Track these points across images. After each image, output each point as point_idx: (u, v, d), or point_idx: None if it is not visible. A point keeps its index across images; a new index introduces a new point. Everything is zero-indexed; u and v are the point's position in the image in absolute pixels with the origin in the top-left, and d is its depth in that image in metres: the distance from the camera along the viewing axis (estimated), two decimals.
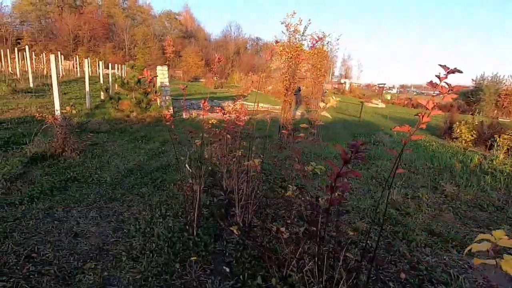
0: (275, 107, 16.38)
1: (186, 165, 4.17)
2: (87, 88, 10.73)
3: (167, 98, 10.22)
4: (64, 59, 38.96)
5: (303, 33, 5.82)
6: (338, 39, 6.48)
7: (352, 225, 3.25)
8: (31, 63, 18.22)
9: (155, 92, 9.06)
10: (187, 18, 70.43)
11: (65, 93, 13.39)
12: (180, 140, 6.36)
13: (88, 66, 12.83)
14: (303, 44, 6.00)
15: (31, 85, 13.91)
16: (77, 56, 43.17)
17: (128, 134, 6.84)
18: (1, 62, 24.61)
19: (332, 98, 2.02)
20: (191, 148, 5.68)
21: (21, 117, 7.04)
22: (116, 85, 13.10)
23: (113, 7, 58.48)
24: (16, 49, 22.84)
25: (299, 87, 17.21)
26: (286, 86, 5.95)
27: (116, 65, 34.78)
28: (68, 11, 50.01)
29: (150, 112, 8.26)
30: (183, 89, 2.75)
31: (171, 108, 9.66)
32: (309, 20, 5.90)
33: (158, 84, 10.19)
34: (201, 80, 47.43)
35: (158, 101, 9.95)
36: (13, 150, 4.65)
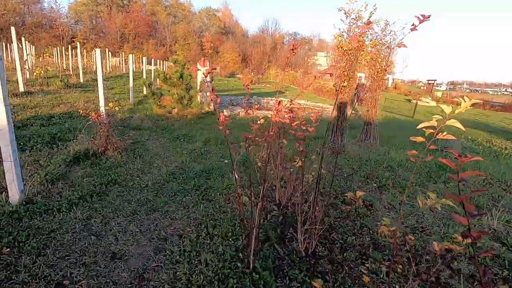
0: (317, 104, 15.46)
1: (234, 173, 3.68)
2: (131, 84, 10.84)
3: (208, 94, 9.94)
4: (112, 56, 41.32)
5: (368, 19, 4.99)
6: (403, 28, 5.50)
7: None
8: (82, 59, 19.27)
9: (198, 88, 8.78)
10: (226, 14, 71.00)
11: (111, 88, 13.83)
12: (223, 140, 5.93)
13: (133, 62, 13.07)
14: (368, 33, 5.17)
15: (81, 80, 14.60)
16: (123, 53, 45.73)
17: (169, 131, 6.59)
18: (58, 59, 26.55)
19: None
20: (237, 150, 5.23)
21: (69, 112, 7.14)
22: (158, 80, 13.21)
23: (156, 5, 60.77)
24: (70, 46, 24.47)
25: (363, 83, 16.15)
26: (342, 82, 5.19)
27: (158, 60, 36.00)
28: (116, 10, 52.95)
29: (191, 109, 7.99)
30: (246, 85, 2.21)
31: (212, 104, 9.34)
32: (375, 6, 5.05)
33: (199, 79, 9.92)
34: (238, 75, 47.48)
35: (198, 98, 9.69)
36: (58, 147, 4.54)
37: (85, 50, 36.45)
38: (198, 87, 8.94)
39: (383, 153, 5.77)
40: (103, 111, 4.85)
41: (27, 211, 2.70)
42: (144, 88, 13.28)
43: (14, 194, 2.82)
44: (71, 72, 18.32)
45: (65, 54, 26.21)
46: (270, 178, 3.69)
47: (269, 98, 16.44)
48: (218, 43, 59.74)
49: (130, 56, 12.74)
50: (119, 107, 8.96)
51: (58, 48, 28.46)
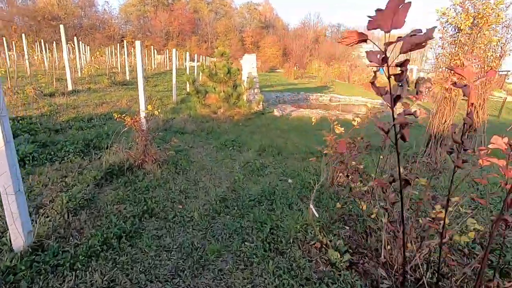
0: (374, 101, 13.63)
1: (312, 207, 2.57)
2: (174, 81, 10.27)
3: (255, 91, 8.92)
4: (157, 53, 42.68)
5: None
6: None
7: None
8: (129, 57, 19.59)
9: (246, 84, 7.80)
10: (266, 8, 69.62)
11: (154, 86, 13.57)
12: (280, 149, 4.85)
13: (176, 58, 12.63)
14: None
15: (127, 77, 14.60)
16: (167, 50, 47.13)
17: (216, 136, 5.69)
18: (108, 58, 27.78)
19: None
20: (304, 165, 4.09)
21: (110, 112, 6.61)
22: (201, 77, 12.56)
23: (199, 2, 61.56)
24: (119, 45, 25.33)
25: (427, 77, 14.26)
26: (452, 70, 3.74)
27: (201, 56, 36.22)
28: (161, 9, 54.68)
29: (238, 109, 7.04)
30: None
31: (261, 104, 8.33)
32: None
33: (245, 75, 8.95)
34: (279, 70, 46.11)
35: (245, 96, 8.69)
36: (92, 158, 3.84)
37: (132, 48, 38.17)
38: (245, 84, 7.95)
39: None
40: (142, 115, 4.05)
41: (28, 268, 1.88)
42: (188, 85, 12.75)
43: (17, 238, 2.03)
44: (119, 70, 18.71)
45: (114, 53, 27.29)
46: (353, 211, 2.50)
47: (318, 94, 14.96)
48: (258, 37, 58.75)
49: (174, 50, 12.28)
50: (162, 106, 8.43)
51: (109, 47, 29.84)
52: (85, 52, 24.55)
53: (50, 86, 9.63)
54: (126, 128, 3.80)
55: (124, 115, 3.68)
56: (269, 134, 5.89)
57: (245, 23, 66.03)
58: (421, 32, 1.00)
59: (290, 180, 3.65)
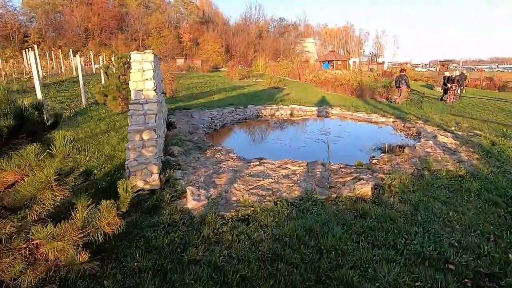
0: (373, 117, 10.76)
1: None
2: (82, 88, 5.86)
3: (148, 143, 4.66)
4: (75, 55, 35.19)
5: None
6: None
7: None
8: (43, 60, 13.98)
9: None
10: (204, 2, 64.78)
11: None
12: None
13: (81, 63, 8.07)
14: None
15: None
16: (91, 52, 39.52)
17: None
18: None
19: None
20: None
21: None
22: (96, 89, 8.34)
23: None
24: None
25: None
26: None
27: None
28: (76, 2, 46.07)
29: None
30: None
31: (155, 169, 4.19)
32: None
33: (133, 95, 5.07)
34: (223, 69, 42.19)
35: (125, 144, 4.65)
36: None
37: (40, 51, 30.49)
38: (129, 115, 4.07)
39: None
40: None
41: None
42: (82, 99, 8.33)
43: None
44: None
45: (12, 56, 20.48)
46: None
47: (274, 106, 11.56)
48: (197, 34, 53.87)
49: (77, 56, 7.81)
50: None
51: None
52: None
53: None
54: None
55: None
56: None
57: (181, 19, 60.34)
58: None
59: None
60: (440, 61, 30.86)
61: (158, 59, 7.91)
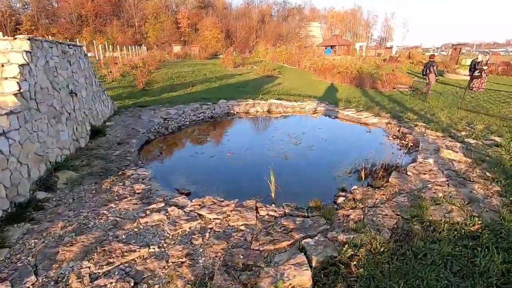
0: (363, 116, 8.97)
1: None
2: None
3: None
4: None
5: None
6: None
7: None
8: None
9: None
10: None
11: None
12: None
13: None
14: None
15: None
16: (84, 39, 37.97)
17: None
18: None
19: None
20: None
21: None
22: None
23: None
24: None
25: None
26: None
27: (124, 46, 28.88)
28: None
29: None
30: None
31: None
32: None
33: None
34: (221, 56, 40.13)
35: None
36: None
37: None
38: None
39: None
40: None
41: None
42: None
43: None
44: None
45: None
46: None
47: (250, 101, 9.85)
48: (196, 19, 51.42)
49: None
50: None
51: None
52: None
53: None
54: None
55: None
56: None
57: (180, 3, 57.75)
58: None
59: None
60: (452, 45, 27.98)
61: (81, 51, 6.24)
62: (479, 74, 11.44)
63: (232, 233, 2.76)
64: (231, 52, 28.92)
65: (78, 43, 6.08)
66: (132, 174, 4.07)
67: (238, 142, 6.48)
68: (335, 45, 30.84)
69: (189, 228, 2.84)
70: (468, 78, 12.89)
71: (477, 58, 12.10)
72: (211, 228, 2.84)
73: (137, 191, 3.59)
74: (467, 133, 6.02)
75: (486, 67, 11.56)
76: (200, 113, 8.54)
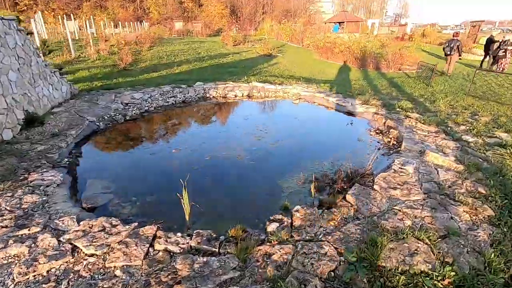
0: (337, 99, 7.93)
1: None
2: None
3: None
4: (68, 19, 32.70)
5: None
6: None
7: None
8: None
9: None
10: None
11: None
12: None
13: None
14: None
15: None
16: (84, 15, 36.77)
17: None
18: None
19: None
20: None
21: None
22: None
23: None
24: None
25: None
26: None
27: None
28: None
29: None
30: None
31: None
32: None
33: None
34: (224, 33, 38.31)
35: None
36: None
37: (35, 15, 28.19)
38: None
39: None
40: None
41: None
42: None
43: None
44: None
45: None
46: None
47: (230, 84, 8.87)
48: None
49: None
50: None
51: None
52: None
53: None
54: None
55: None
56: None
57: None
58: None
59: None
60: (471, 22, 25.45)
61: (12, 26, 5.34)
62: (503, 54, 10.10)
63: (99, 282, 2.00)
64: (229, 30, 27.30)
65: (6, 17, 5.18)
66: (34, 180, 3.33)
67: (194, 134, 5.60)
68: (343, 22, 28.65)
69: (47, 271, 2.09)
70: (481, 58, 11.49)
71: (504, 36, 10.69)
72: (77, 272, 2.09)
73: (23, 206, 2.86)
74: (467, 127, 4.97)
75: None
76: (171, 97, 7.66)
